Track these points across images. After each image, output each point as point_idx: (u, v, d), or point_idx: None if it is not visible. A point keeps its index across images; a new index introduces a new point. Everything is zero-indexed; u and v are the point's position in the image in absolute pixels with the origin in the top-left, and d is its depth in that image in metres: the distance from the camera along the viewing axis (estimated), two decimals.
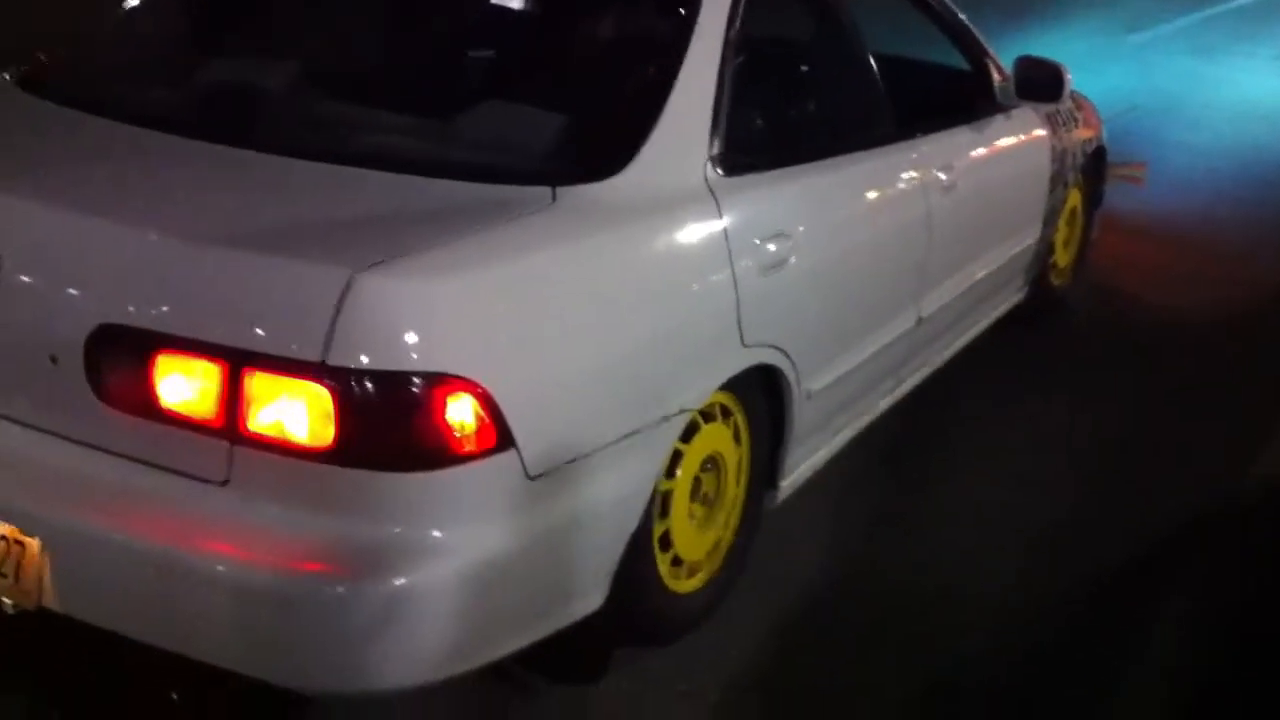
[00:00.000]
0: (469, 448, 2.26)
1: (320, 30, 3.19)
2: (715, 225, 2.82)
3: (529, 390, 2.35)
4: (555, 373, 2.41)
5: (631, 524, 2.69)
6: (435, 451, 2.23)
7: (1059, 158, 4.83)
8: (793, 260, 3.04)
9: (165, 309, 2.28)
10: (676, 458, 2.84)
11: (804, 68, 3.80)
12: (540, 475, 2.39)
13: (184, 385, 2.26)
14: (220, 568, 2.25)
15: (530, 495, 2.38)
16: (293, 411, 2.21)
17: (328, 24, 3.24)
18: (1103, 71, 8.98)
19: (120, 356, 2.30)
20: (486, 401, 2.26)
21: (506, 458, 2.31)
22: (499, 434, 2.29)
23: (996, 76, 4.41)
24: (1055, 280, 5.27)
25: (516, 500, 2.37)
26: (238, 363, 2.22)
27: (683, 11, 3.01)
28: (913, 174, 3.72)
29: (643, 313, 2.63)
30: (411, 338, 2.20)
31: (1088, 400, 4.61)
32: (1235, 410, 4.63)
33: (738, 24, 3.06)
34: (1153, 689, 3.08)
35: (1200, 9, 14.06)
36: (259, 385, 2.22)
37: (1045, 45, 7.92)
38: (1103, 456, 4.22)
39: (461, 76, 3.06)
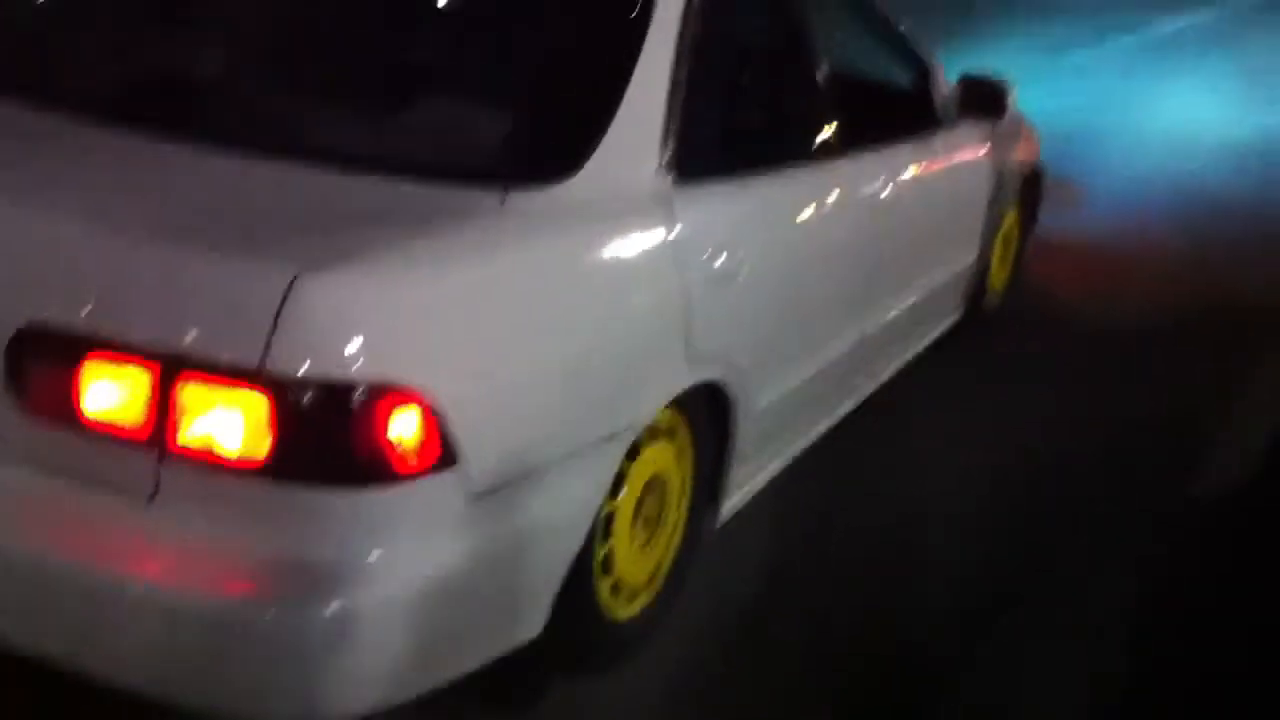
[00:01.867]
0: (413, 463, 2.15)
1: (266, 19, 3.06)
2: (666, 234, 2.73)
3: (476, 403, 2.24)
4: (504, 385, 2.31)
5: (575, 546, 2.59)
6: (378, 466, 2.11)
7: (998, 177, 4.83)
8: (742, 274, 2.96)
9: (92, 309, 2.12)
10: (620, 477, 2.74)
11: (758, 73, 3.74)
12: (485, 493, 2.28)
13: (111, 392, 2.11)
14: (146, 589, 2.12)
15: (474, 514, 2.28)
16: (226, 422, 2.08)
17: (275, 12, 3.11)
18: (1034, 94, 9.00)
19: (43, 361, 2.15)
20: (432, 414, 2.14)
21: (451, 475, 2.20)
22: (444, 449, 2.18)
23: (939, 93, 4.39)
24: (992, 299, 5.27)
25: (460, 519, 2.26)
26: (169, 368, 2.08)
27: (637, 12, 2.92)
28: (858, 189, 3.67)
29: (594, 324, 2.53)
30: (356, 344, 2.08)
31: (1024, 416, 4.60)
32: (1168, 423, 4.66)
33: (692, 27, 2.98)
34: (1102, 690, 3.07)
35: (1131, 34, 14.27)
36: (191, 393, 2.09)
37: (979, 65, 8.01)
38: (1041, 471, 4.21)
39: (413, 72, 2.94)
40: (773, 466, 3.51)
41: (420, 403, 2.12)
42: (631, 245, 2.67)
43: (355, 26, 3.07)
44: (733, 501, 3.29)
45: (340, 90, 2.86)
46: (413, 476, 2.15)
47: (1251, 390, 5.09)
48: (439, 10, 3.18)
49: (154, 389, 2.10)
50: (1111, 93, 10.94)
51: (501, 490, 2.33)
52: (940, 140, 4.34)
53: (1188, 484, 4.19)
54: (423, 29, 3.10)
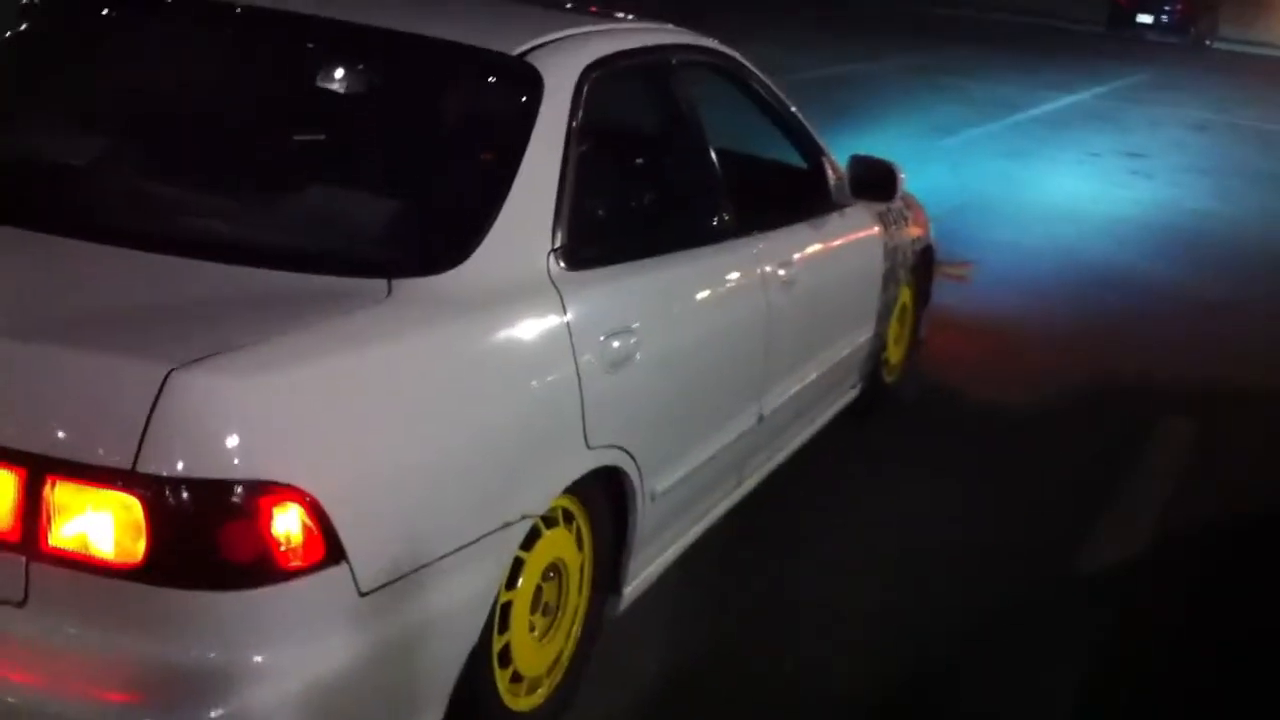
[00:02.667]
0: (295, 562, 2.07)
1: (142, 106, 3.00)
2: (558, 321, 2.70)
3: (361, 498, 2.18)
4: (390, 479, 2.25)
5: (471, 639, 2.52)
6: (258, 567, 2.03)
7: (891, 255, 4.87)
8: (637, 357, 2.94)
9: None
10: (517, 566, 2.68)
11: (647, 160, 3.75)
12: (373, 590, 2.21)
13: None
14: (16, 698, 2.02)
15: (363, 611, 2.20)
16: (99, 524, 2.00)
17: (150, 98, 3.05)
18: (920, 173, 9.20)
19: None
20: (315, 511, 2.08)
21: (336, 572, 2.13)
22: (328, 546, 2.11)
23: (831, 174, 4.43)
24: (888, 376, 5.30)
25: (347, 618, 2.18)
26: (37, 470, 2.00)
27: (524, 100, 2.91)
28: (754, 270, 3.67)
29: (483, 414, 2.48)
30: (233, 441, 2.01)
31: (921, 492, 4.61)
32: (1060, 498, 4.71)
33: (580, 114, 2.98)
34: None
35: (1009, 115, 14.66)
36: (61, 495, 2.00)
37: (864, 148, 8.15)
38: (938, 547, 4.21)
39: (294, 160, 2.90)
40: (674, 550, 3.47)
41: (301, 500, 2.06)
42: (521, 333, 2.64)
43: (237, 116, 3.02)
44: (634, 586, 3.23)
45: (221, 180, 2.81)
46: (296, 575, 2.08)
47: (1142, 460, 5.16)
48: (322, 100, 3.15)
49: (22, 490, 2.01)
50: (998, 170, 11.19)
51: (392, 584, 2.26)
52: (834, 220, 4.37)
53: (1088, 563, 4.22)
54: (306, 118, 3.07)
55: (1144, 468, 5.10)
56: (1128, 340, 6.81)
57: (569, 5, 4.05)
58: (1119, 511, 4.64)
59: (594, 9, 3.69)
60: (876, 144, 10.18)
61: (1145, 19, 28.82)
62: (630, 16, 3.77)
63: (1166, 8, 28.68)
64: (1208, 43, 28.82)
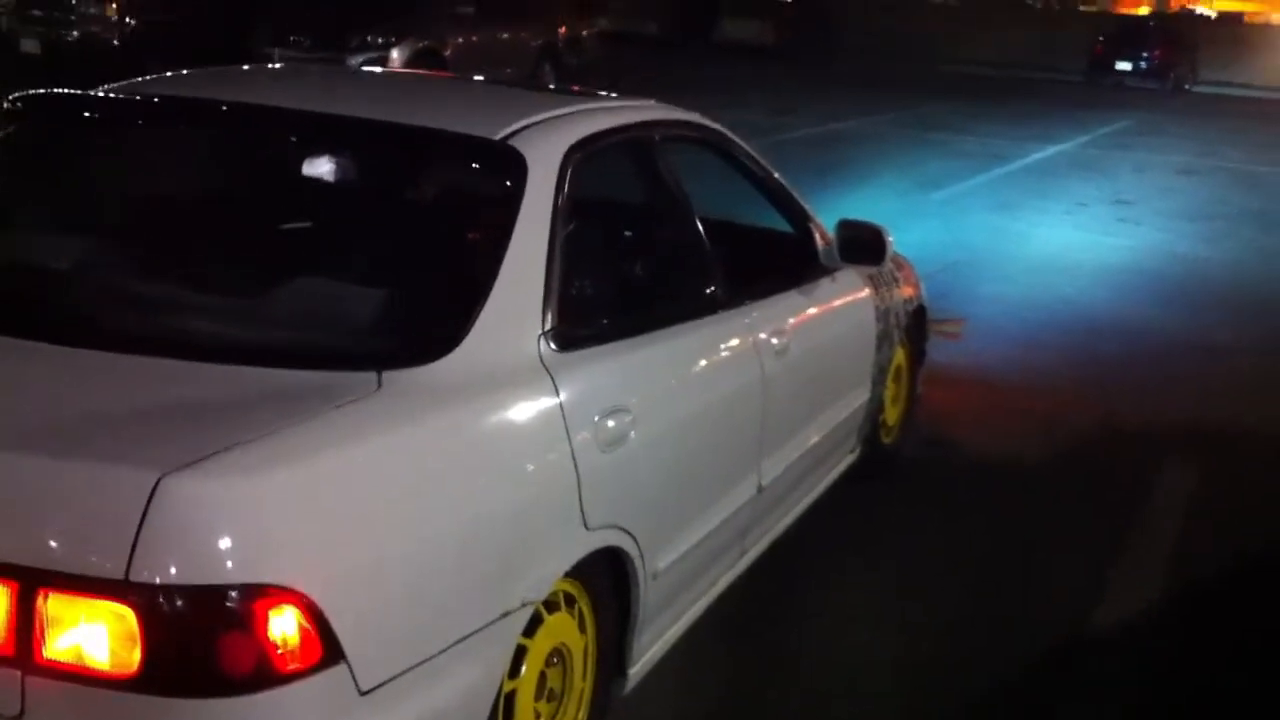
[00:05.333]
0: (293, 665, 2.05)
1: (124, 205, 3.00)
2: (551, 404, 2.69)
3: (358, 595, 2.16)
4: (386, 574, 2.23)
5: None
6: (255, 672, 2.01)
7: (884, 317, 4.87)
8: (633, 435, 2.92)
9: None
10: (520, 654, 2.65)
11: (635, 237, 3.75)
12: (374, 688, 2.18)
13: None
14: None
15: (364, 710, 2.17)
16: (93, 635, 1.98)
17: (133, 197, 3.05)
18: (910, 229, 9.24)
19: None
20: (311, 611, 2.06)
21: (335, 673, 2.11)
22: (326, 647, 2.08)
23: (819, 239, 4.43)
24: (886, 438, 5.27)
25: (348, 717, 2.15)
26: (30, 582, 1.98)
27: (509, 184, 2.92)
28: (747, 340, 3.67)
29: (479, 503, 2.46)
30: (226, 545, 2.00)
31: (926, 552, 4.58)
32: (1073, 547, 4.69)
33: (565, 195, 2.99)
34: None
35: (996, 167, 14.74)
36: (55, 606, 1.99)
37: (853, 207, 8.20)
38: (953, 603, 4.19)
39: (281, 254, 2.90)
40: (680, 626, 3.43)
41: (297, 601, 2.04)
42: (514, 418, 2.63)
43: (221, 213, 3.03)
44: (640, 666, 3.20)
45: (206, 278, 2.81)
46: (294, 678, 2.06)
47: (1146, 508, 5.13)
48: (307, 193, 3.16)
49: (14, 603, 1.99)
50: (988, 223, 11.22)
51: (393, 681, 2.23)
52: (824, 285, 4.37)
53: (1100, 618, 4.18)
54: (291, 212, 3.08)
55: (1148, 516, 5.07)
56: (1124, 387, 6.80)
57: (552, 88, 4.08)
58: (1127, 562, 4.61)
59: (576, 88, 3.72)
60: (867, 199, 10.39)
61: (1124, 66, 29.04)
62: (613, 95, 3.80)
63: (1144, 54, 28.91)
64: (1187, 87, 29.02)
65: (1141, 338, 7.81)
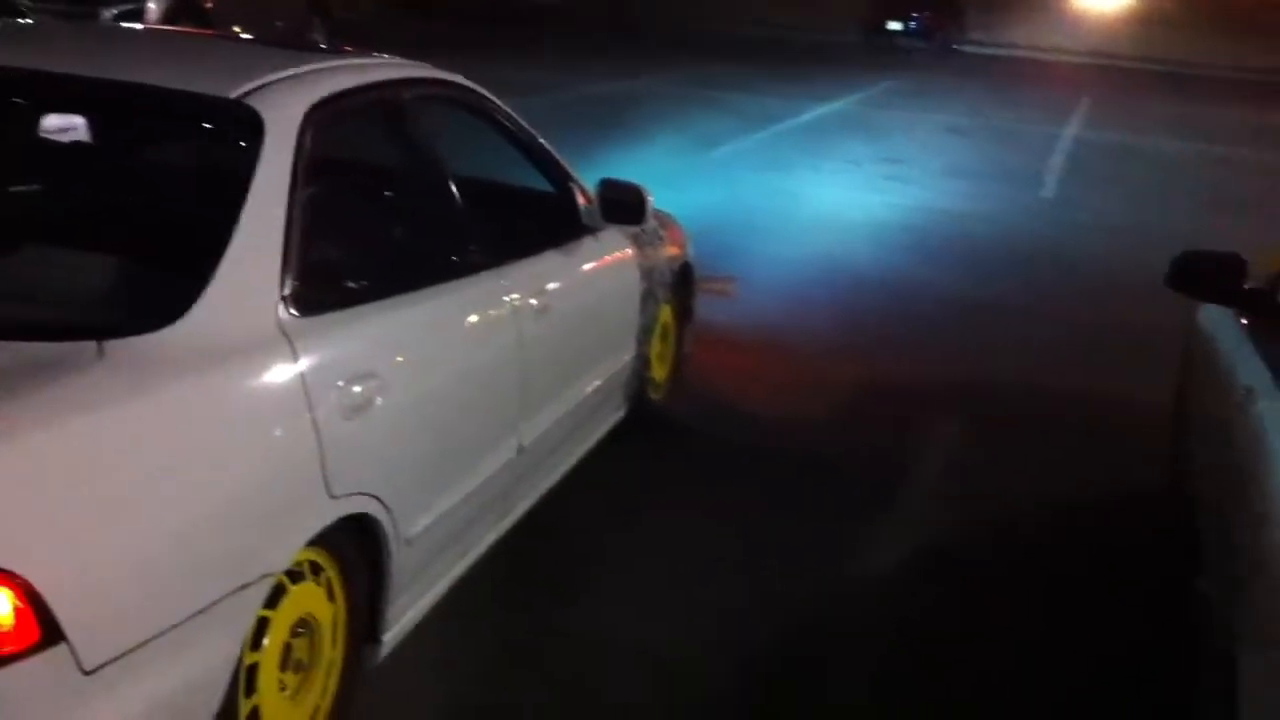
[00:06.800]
0: (8, 648, 1.98)
1: None
2: (290, 371, 2.63)
3: (78, 573, 2.09)
4: (109, 550, 2.16)
5: (214, 706, 2.43)
6: None
7: (648, 276, 4.91)
8: (380, 401, 2.88)
9: None
10: (263, 625, 2.60)
11: (385, 198, 3.69)
12: (99, 667, 2.11)
13: None
14: None
15: (88, 691, 2.11)
16: None
17: None
18: (688, 187, 9.36)
19: None
20: (26, 592, 1.98)
21: (55, 653, 2.04)
22: (44, 628, 2.01)
23: (581, 199, 4.44)
24: (653, 395, 5.33)
25: (71, 699, 2.09)
26: None
27: (245, 144, 2.84)
28: (504, 301, 3.65)
29: (211, 475, 2.40)
30: None
31: (699, 511, 4.63)
32: (834, 507, 4.78)
33: (307, 156, 2.92)
34: None
35: (772, 125, 15.01)
36: None
37: (632, 164, 8.26)
38: (722, 566, 4.24)
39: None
40: (437, 590, 3.42)
41: (10, 583, 1.96)
42: (248, 386, 2.56)
43: None
44: (395, 633, 3.17)
45: None
46: (8, 660, 1.98)
47: (911, 463, 5.31)
48: (34, 156, 3.02)
49: None
50: (762, 182, 11.42)
51: (120, 659, 2.17)
52: (586, 245, 4.39)
53: (861, 572, 4.29)
54: (16, 176, 2.93)
55: (913, 470, 5.23)
56: (892, 342, 7.00)
57: (298, 44, 3.97)
58: (892, 517, 4.74)
59: (324, 46, 3.63)
60: (646, 157, 10.44)
61: (895, 26, 29.90)
62: (373, 54, 3.73)
63: (914, 15, 29.85)
64: (955, 47, 30.04)
65: (910, 293, 8.06)
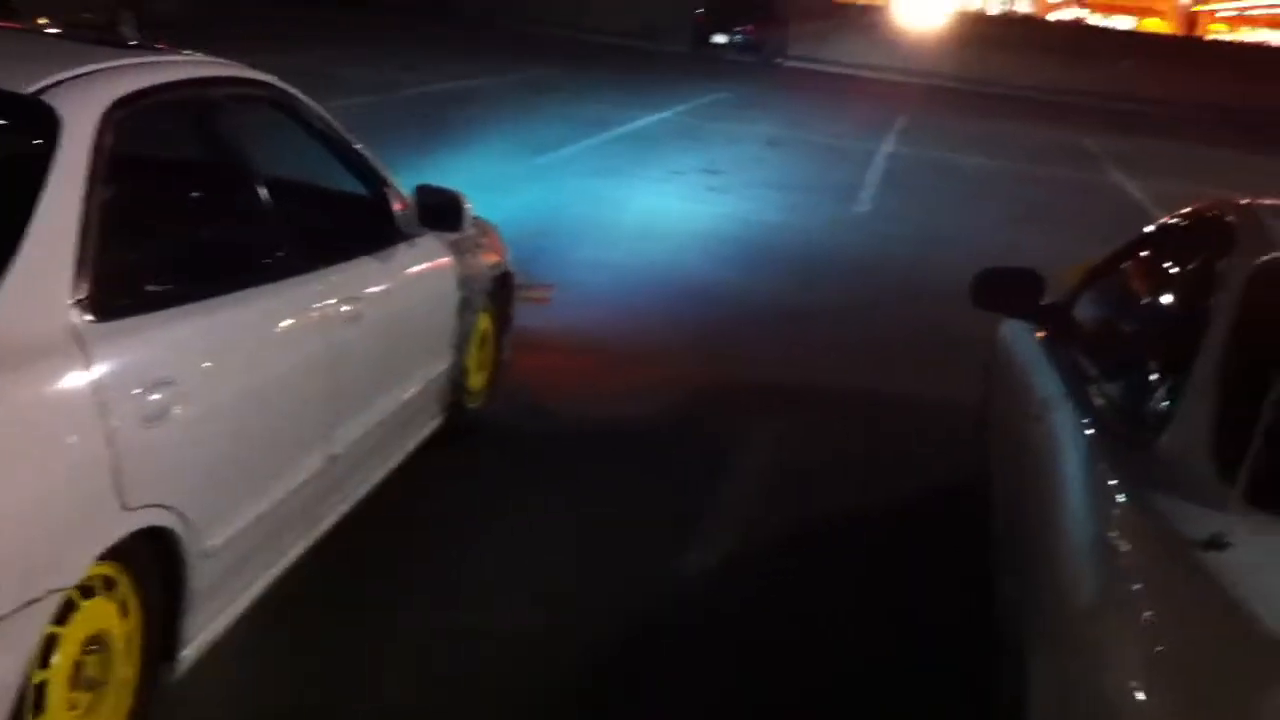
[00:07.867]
0: None
1: None
2: (82, 378, 2.54)
3: None
4: None
5: None
6: None
7: (466, 283, 4.88)
8: (178, 410, 2.80)
9: None
10: (52, 642, 2.50)
11: (190, 201, 3.59)
12: None
13: None
14: None
15: None
16: None
17: None
18: (512, 193, 9.35)
19: None
20: None
21: None
22: None
23: (397, 204, 4.39)
24: (471, 403, 5.30)
25: None
26: None
27: (39, 141, 2.73)
28: (313, 307, 3.59)
29: None
30: None
31: (516, 517, 4.61)
32: (657, 512, 4.83)
33: (106, 153, 2.82)
34: None
35: (599, 133, 15.08)
36: None
37: (457, 171, 8.20)
38: (547, 573, 4.23)
39: None
40: (241, 603, 3.32)
41: None
42: (36, 393, 2.47)
43: None
44: (195, 647, 3.08)
45: None
46: None
47: (731, 467, 5.39)
48: None
49: None
50: (587, 189, 11.46)
51: None
52: (402, 251, 4.34)
53: (682, 572, 4.36)
54: None
55: (733, 474, 5.31)
56: (710, 349, 7.09)
57: (104, 39, 3.83)
58: (712, 520, 4.81)
59: (133, 42, 3.52)
60: (472, 161, 10.38)
61: (720, 39, 30.37)
62: (184, 51, 3.62)
63: (739, 29, 30.34)
64: (779, 61, 30.61)
65: (728, 302, 8.18)
